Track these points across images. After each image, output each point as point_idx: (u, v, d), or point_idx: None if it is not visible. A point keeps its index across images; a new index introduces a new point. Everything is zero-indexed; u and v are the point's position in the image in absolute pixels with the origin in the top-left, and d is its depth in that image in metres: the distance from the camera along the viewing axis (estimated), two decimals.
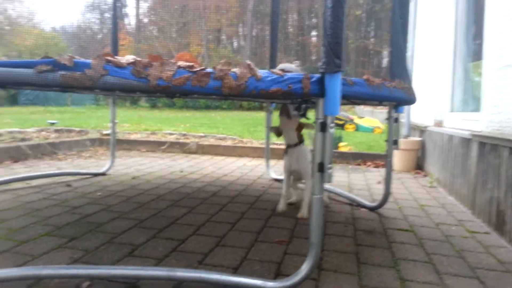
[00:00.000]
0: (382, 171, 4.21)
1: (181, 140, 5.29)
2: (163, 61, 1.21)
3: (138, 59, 1.23)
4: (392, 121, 2.50)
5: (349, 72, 13.34)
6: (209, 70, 1.25)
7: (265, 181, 3.48)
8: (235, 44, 24.29)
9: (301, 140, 2.46)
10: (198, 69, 1.23)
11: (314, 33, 22.92)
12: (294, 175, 2.58)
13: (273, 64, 3.91)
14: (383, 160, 4.61)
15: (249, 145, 5.19)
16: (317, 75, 1.40)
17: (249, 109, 16.83)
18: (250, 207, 2.56)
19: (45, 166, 3.70)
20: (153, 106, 18.03)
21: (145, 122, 8.37)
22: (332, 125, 1.40)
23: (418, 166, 4.38)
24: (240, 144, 5.21)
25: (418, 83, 4.81)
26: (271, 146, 4.52)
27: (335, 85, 1.37)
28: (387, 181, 2.58)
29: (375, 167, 4.50)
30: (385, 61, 20.06)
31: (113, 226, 2.05)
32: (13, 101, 19.41)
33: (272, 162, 4.38)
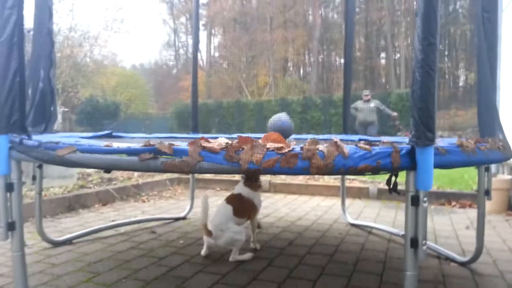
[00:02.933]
0: (469, 213, 3.90)
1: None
2: (252, 144, 1.26)
3: (230, 142, 1.28)
4: (483, 170, 2.32)
5: None
6: (296, 150, 1.27)
7: (341, 226, 3.39)
8: (302, 71, 24.51)
9: None
10: (286, 150, 1.25)
11: (383, 55, 22.45)
12: None
13: (347, 90, 3.82)
14: (469, 199, 4.28)
15: (321, 182, 5.12)
16: (407, 147, 1.35)
17: None
18: (330, 260, 2.50)
19: (131, 209, 3.95)
20: None
21: None
22: (425, 199, 1.33)
23: (510, 206, 4.00)
24: (312, 181, 5.16)
25: (504, 113, 4.45)
26: (346, 184, 4.42)
27: (427, 159, 1.31)
28: (480, 234, 2.39)
29: (461, 207, 4.19)
30: (461, 82, 18.95)
31: (197, 282, 2.11)
32: None
33: (347, 202, 4.26)
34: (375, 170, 1.31)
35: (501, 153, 1.72)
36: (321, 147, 1.29)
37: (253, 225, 2.67)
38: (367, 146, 1.32)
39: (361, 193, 4.71)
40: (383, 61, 21.81)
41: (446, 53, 20.00)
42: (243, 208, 2.50)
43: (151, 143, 1.29)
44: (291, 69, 23.05)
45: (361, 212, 3.93)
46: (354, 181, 5.15)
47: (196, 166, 1.24)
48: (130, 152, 1.29)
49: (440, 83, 18.12)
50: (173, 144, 1.27)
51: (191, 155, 1.24)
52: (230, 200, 2.50)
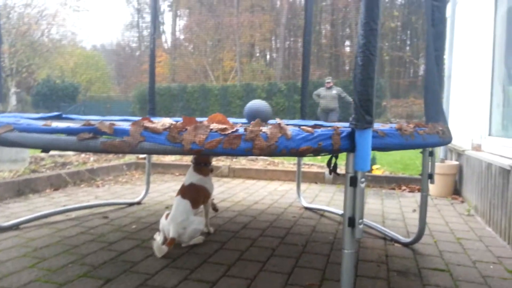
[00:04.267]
0: (417, 197, 4.09)
1: (213, 163, 5.36)
2: (196, 125, 1.25)
3: (174, 122, 1.27)
4: (427, 154, 2.43)
5: (383, 84, 13.15)
6: (240, 131, 1.28)
7: (296, 209, 3.47)
8: (268, 57, 24.47)
9: None
10: (229, 131, 1.26)
11: (348, 43, 22.78)
12: None
13: (305, 76, 3.89)
14: (418, 184, 4.48)
15: (280, 167, 5.19)
16: (347, 129, 1.40)
17: None
18: (281, 242, 2.56)
19: (84, 194, 3.85)
20: None
21: None
22: (363, 180, 1.39)
23: (456, 190, 4.23)
24: (272, 167, 5.22)
25: (455, 103, 4.67)
26: (302, 169, 4.51)
27: (366, 141, 1.36)
28: (422, 216, 2.50)
29: (410, 191, 4.39)
30: (421, 71, 19.56)
31: (147, 266, 2.10)
32: None
33: (303, 186, 4.36)
34: (316, 152, 1.34)
35: (440, 138, 1.80)
36: (265, 128, 1.30)
37: (207, 209, 2.67)
38: (309, 129, 1.35)
39: (318, 178, 4.82)
40: (348, 49, 22.14)
41: (408, 42, 20.57)
42: (198, 197, 2.47)
43: (91, 123, 1.26)
44: (257, 54, 22.98)
45: (316, 196, 4.03)
46: (312, 167, 5.26)
47: (137, 147, 1.22)
48: (69, 131, 1.25)
49: (400, 72, 18.68)
50: (114, 124, 1.25)
51: (132, 135, 1.22)
52: (184, 193, 2.43)
